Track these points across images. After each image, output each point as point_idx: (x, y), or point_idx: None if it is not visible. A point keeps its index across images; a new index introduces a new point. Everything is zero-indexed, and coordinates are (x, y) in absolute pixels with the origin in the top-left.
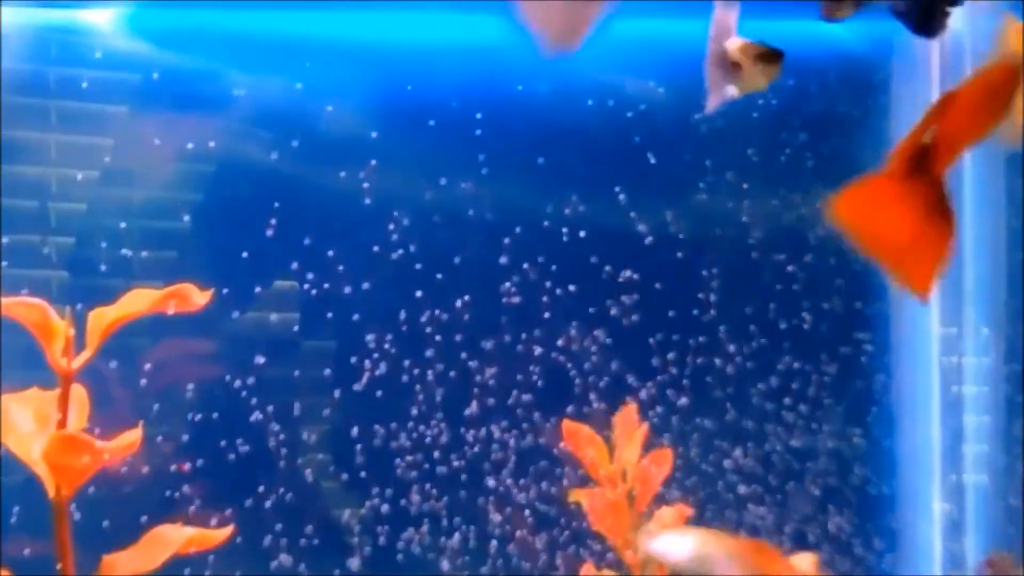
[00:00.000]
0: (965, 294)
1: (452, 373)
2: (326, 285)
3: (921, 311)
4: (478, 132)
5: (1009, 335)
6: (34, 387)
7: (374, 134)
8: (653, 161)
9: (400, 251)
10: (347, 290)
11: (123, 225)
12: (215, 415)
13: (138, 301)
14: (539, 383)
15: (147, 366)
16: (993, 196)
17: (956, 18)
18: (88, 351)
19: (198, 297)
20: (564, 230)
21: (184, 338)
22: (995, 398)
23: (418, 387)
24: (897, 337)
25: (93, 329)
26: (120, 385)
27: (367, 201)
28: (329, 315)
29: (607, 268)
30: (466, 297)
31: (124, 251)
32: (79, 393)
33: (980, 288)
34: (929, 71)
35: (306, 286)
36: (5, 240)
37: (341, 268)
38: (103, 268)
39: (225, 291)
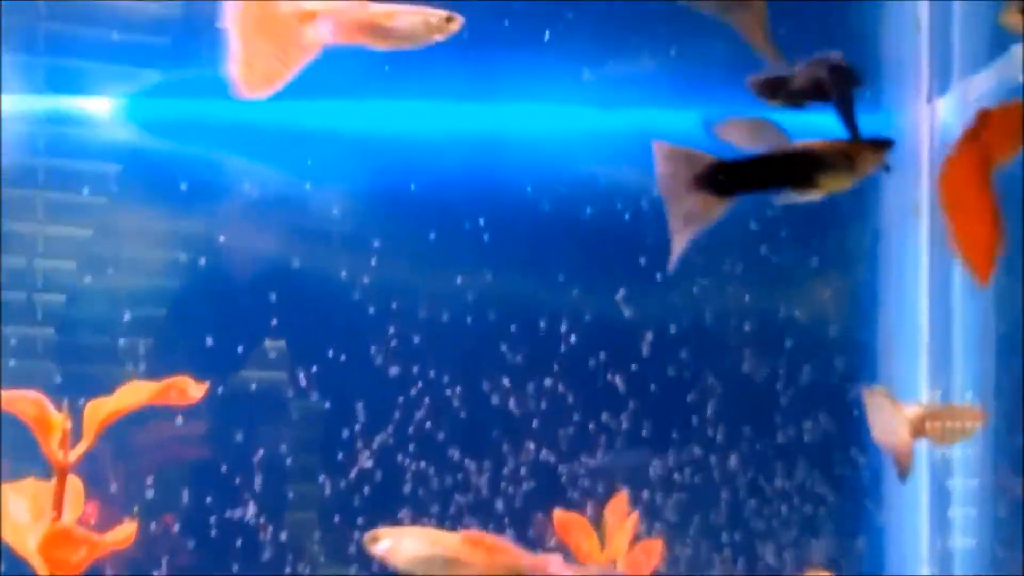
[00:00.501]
0: (954, 359)
1: (445, 465)
2: (315, 369)
3: (908, 377)
4: (476, 222)
5: (997, 400)
6: (31, 477)
7: (369, 223)
8: (647, 252)
9: (394, 342)
10: (338, 378)
11: (117, 313)
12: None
13: (135, 393)
14: (531, 474)
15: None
16: None
17: (945, 108)
18: (84, 443)
19: (194, 390)
20: (560, 322)
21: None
22: (983, 461)
23: (412, 480)
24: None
25: (90, 421)
26: (109, 467)
27: (361, 290)
28: (321, 404)
29: (600, 359)
30: (458, 388)
31: (115, 340)
32: (75, 485)
33: (968, 354)
34: (919, 163)
35: (300, 376)
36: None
37: (332, 356)
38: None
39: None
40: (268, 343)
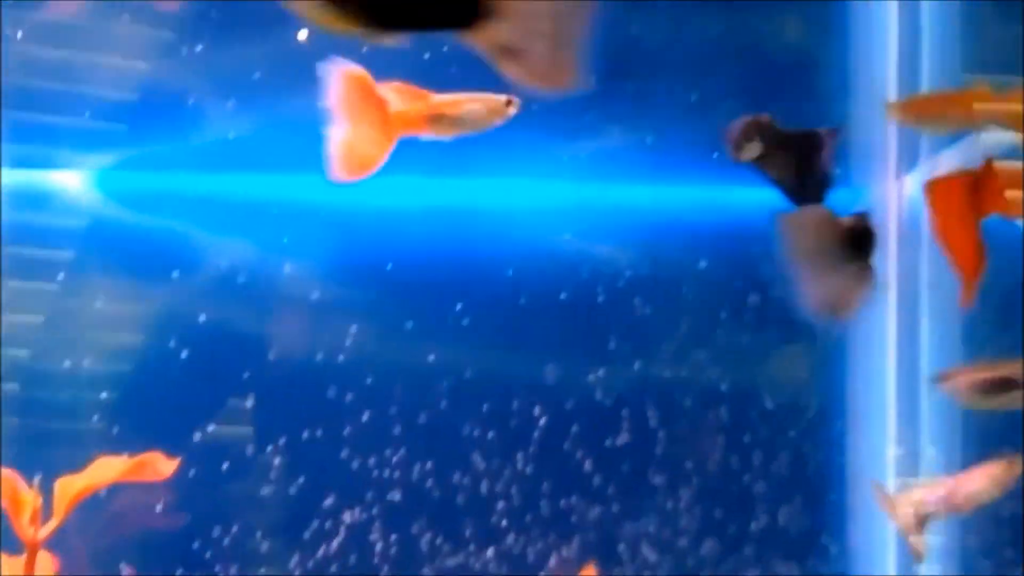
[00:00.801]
0: (921, 427)
1: (417, 543)
2: (283, 441)
3: (877, 435)
4: (451, 297)
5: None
6: (1, 554)
7: (343, 299)
8: (612, 326)
9: (368, 413)
10: (311, 456)
11: (87, 389)
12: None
13: (106, 470)
14: (504, 556)
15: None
16: (949, 324)
17: (914, 185)
18: (55, 520)
19: (165, 466)
20: (534, 399)
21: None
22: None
23: (384, 560)
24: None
25: (60, 498)
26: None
27: (335, 366)
28: (293, 482)
29: (572, 436)
30: (428, 463)
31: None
32: (45, 560)
33: (935, 430)
34: (886, 241)
35: (271, 454)
36: None
37: (305, 434)
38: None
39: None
40: (239, 420)
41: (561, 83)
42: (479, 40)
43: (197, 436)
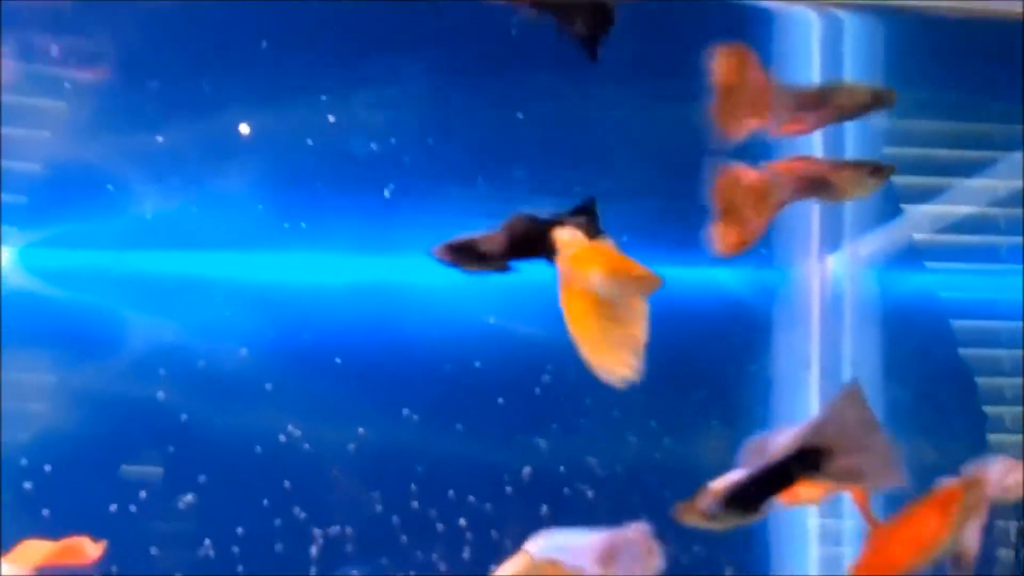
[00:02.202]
0: (844, 508)
1: None
2: (204, 519)
3: (797, 530)
4: (374, 373)
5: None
6: None
7: (265, 376)
8: (538, 406)
9: (297, 498)
10: (235, 531)
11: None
12: None
13: (30, 554)
14: None
15: None
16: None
17: (837, 265)
18: None
19: (91, 550)
20: (456, 472)
21: None
22: None
23: None
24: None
25: None
26: None
27: (257, 444)
28: (217, 556)
29: (494, 508)
30: (354, 546)
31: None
32: None
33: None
34: (809, 319)
35: (201, 537)
36: None
37: (230, 511)
38: None
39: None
40: (161, 499)
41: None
42: None
43: (122, 515)
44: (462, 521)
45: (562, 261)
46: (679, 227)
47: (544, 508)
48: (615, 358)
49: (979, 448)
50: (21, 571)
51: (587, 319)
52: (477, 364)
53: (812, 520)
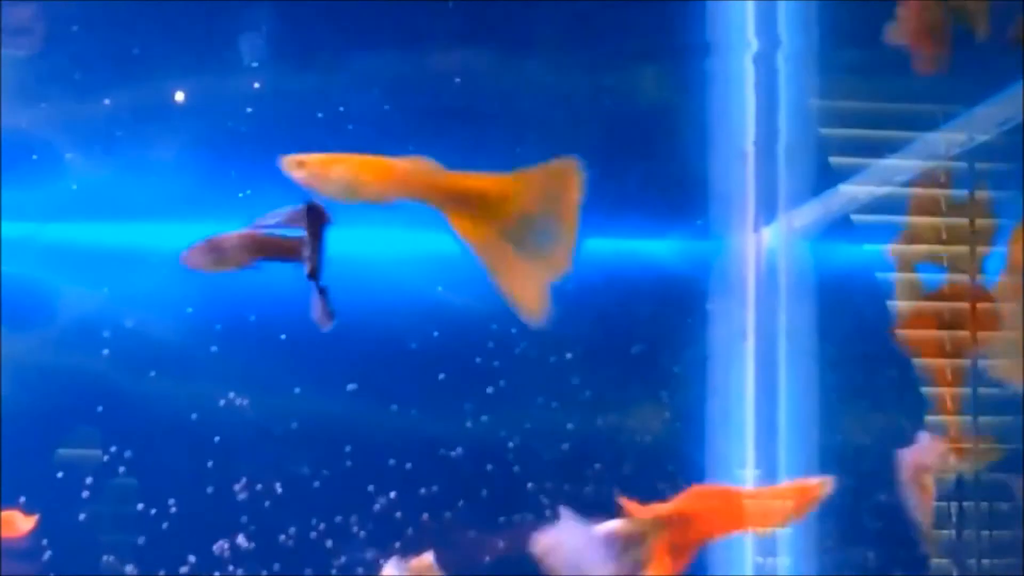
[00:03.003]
0: (779, 464)
1: None
2: (143, 495)
3: (736, 470)
4: (312, 347)
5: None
6: None
7: (199, 348)
8: (475, 377)
9: (234, 469)
10: (179, 498)
11: None
12: None
13: None
14: None
15: None
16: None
17: (772, 237)
18: None
19: (23, 523)
20: (395, 447)
21: None
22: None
23: None
24: None
25: None
26: None
27: (194, 414)
28: (155, 531)
29: (435, 485)
30: (293, 527)
31: None
32: None
33: (793, 474)
34: (745, 290)
35: (127, 503)
36: None
37: (167, 486)
38: None
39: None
40: (92, 474)
41: None
42: None
43: (57, 486)
44: (397, 495)
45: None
46: (612, 198)
47: (482, 482)
48: (527, 292)
49: (913, 422)
50: None
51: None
52: (425, 335)
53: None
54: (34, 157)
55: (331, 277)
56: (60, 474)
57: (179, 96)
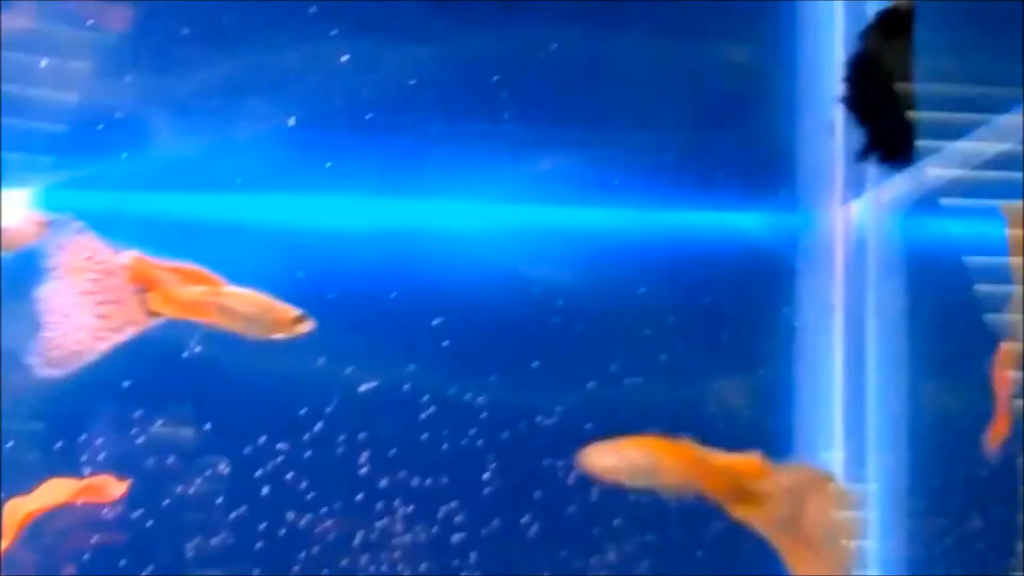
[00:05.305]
0: (867, 455)
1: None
2: (231, 464)
3: (823, 446)
4: (391, 320)
5: (910, 497)
6: None
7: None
8: (560, 351)
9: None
10: (257, 478)
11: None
12: None
13: (56, 492)
14: None
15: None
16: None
17: (860, 211)
18: (5, 542)
19: (115, 488)
20: (483, 422)
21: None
22: None
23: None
24: None
25: (9, 520)
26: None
27: (276, 389)
28: (242, 501)
29: (521, 460)
30: (367, 497)
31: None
32: None
33: (881, 450)
34: (833, 264)
35: (217, 472)
36: None
37: (252, 458)
38: None
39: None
40: (184, 443)
41: None
42: None
43: (147, 457)
44: (486, 472)
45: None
46: (701, 170)
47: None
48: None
49: None
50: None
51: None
52: (498, 309)
53: None
54: (131, 128)
55: (414, 250)
56: (154, 448)
57: (270, 68)
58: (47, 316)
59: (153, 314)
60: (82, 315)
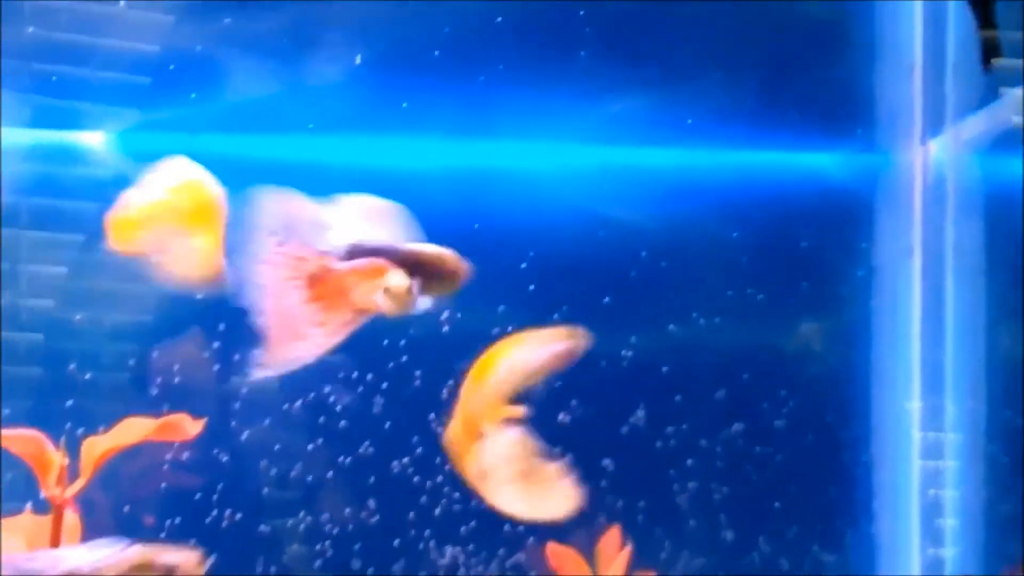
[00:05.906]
0: (946, 398)
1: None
2: (305, 408)
3: (900, 417)
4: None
5: (988, 440)
6: (27, 512)
7: None
8: (636, 291)
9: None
10: (333, 422)
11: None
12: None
13: (132, 431)
14: None
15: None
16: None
17: (939, 150)
18: (82, 480)
19: (191, 427)
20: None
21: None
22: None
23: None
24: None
25: (87, 458)
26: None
27: None
28: (321, 442)
29: (596, 400)
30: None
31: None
32: (71, 520)
33: (959, 393)
34: (912, 205)
35: (292, 412)
36: None
37: (329, 401)
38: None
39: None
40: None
41: None
42: None
43: (223, 397)
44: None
45: None
46: (778, 112)
47: (641, 398)
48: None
49: None
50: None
51: None
52: (575, 251)
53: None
54: (204, 71)
55: (489, 191)
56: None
57: (340, 8)
58: (266, 324)
59: (364, 312)
60: (300, 323)
